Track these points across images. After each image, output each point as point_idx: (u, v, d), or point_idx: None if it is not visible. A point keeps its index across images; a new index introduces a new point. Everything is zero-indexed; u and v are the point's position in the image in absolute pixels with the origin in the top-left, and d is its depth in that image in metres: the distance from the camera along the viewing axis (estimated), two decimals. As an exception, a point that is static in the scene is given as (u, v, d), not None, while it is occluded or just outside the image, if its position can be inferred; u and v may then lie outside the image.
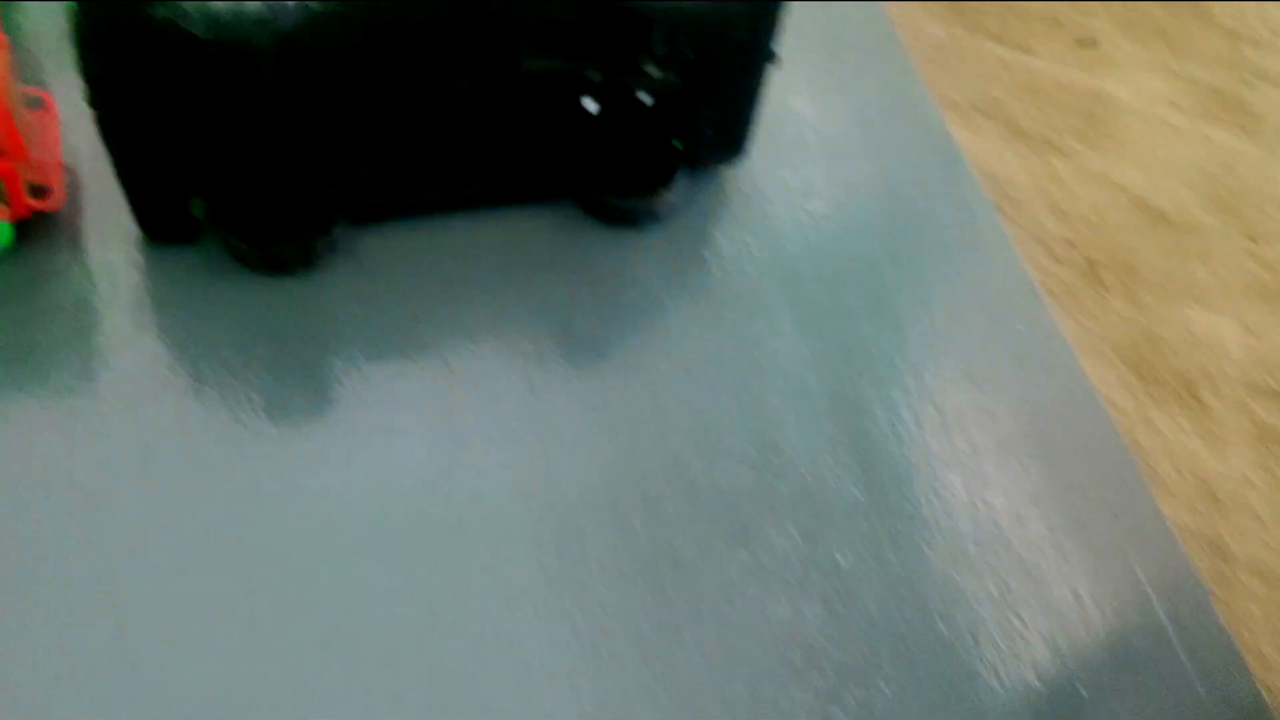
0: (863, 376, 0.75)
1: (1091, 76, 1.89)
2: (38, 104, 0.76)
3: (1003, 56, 1.91)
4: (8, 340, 0.69)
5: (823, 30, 0.99)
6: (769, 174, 0.86)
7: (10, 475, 0.65)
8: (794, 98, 0.92)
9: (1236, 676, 0.65)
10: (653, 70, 0.72)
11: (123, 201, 0.72)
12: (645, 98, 0.73)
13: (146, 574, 0.62)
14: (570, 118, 0.73)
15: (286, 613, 0.60)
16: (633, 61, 0.72)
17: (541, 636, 0.61)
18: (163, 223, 0.73)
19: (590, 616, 0.62)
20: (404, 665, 0.60)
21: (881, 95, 0.94)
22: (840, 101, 0.93)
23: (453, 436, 0.69)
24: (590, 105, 0.73)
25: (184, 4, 0.60)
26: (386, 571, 0.63)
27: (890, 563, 0.67)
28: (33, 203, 0.71)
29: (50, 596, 0.60)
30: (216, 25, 0.60)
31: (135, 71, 0.65)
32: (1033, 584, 0.67)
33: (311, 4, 0.63)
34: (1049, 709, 0.62)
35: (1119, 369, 1.50)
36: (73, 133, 0.77)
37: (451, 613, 0.62)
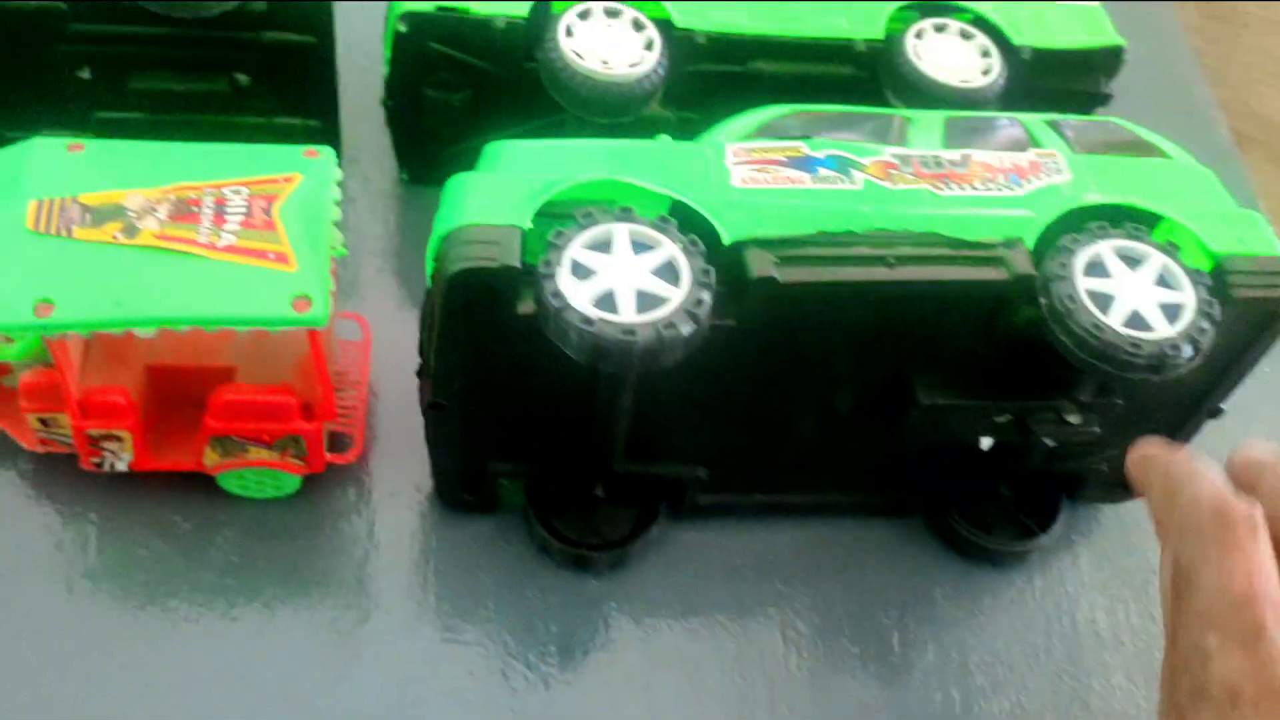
0: None
1: None
2: (352, 329, 0.67)
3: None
4: (279, 574, 0.61)
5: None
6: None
7: (272, 691, 0.60)
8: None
9: None
10: (1073, 418, 0.59)
11: (422, 454, 0.64)
12: (1049, 440, 0.59)
13: None
14: (954, 450, 0.60)
15: None
16: (1049, 405, 0.59)
17: None
18: (465, 499, 0.65)
19: None
20: None
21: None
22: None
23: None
24: (985, 442, 0.60)
25: (565, 319, 0.50)
26: None
27: None
28: (330, 457, 0.62)
29: None
30: (598, 354, 0.49)
31: (489, 370, 0.57)
32: None
33: (703, 326, 0.52)
34: None
35: None
36: (379, 358, 0.68)
37: None
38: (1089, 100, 0.78)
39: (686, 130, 0.69)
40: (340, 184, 0.59)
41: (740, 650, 0.62)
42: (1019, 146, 0.62)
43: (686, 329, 0.50)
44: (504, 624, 0.62)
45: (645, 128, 0.73)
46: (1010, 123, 0.64)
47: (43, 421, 0.59)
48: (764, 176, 0.58)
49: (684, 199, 0.56)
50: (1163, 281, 0.55)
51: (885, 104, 0.73)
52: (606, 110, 0.68)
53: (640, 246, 0.53)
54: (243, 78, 0.68)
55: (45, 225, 0.54)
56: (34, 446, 0.61)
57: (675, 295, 0.51)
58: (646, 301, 0.51)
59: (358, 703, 0.58)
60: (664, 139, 0.62)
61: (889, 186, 0.58)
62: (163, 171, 0.57)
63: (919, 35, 0.73)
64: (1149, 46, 0.91)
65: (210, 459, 0.60)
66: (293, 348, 0.61)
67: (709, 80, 0.73)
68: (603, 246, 0.53)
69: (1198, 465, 0.47)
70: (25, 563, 0.61)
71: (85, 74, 0.67)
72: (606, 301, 0.51)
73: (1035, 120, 0.64)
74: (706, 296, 0.51)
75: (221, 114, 0.69)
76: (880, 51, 0.72)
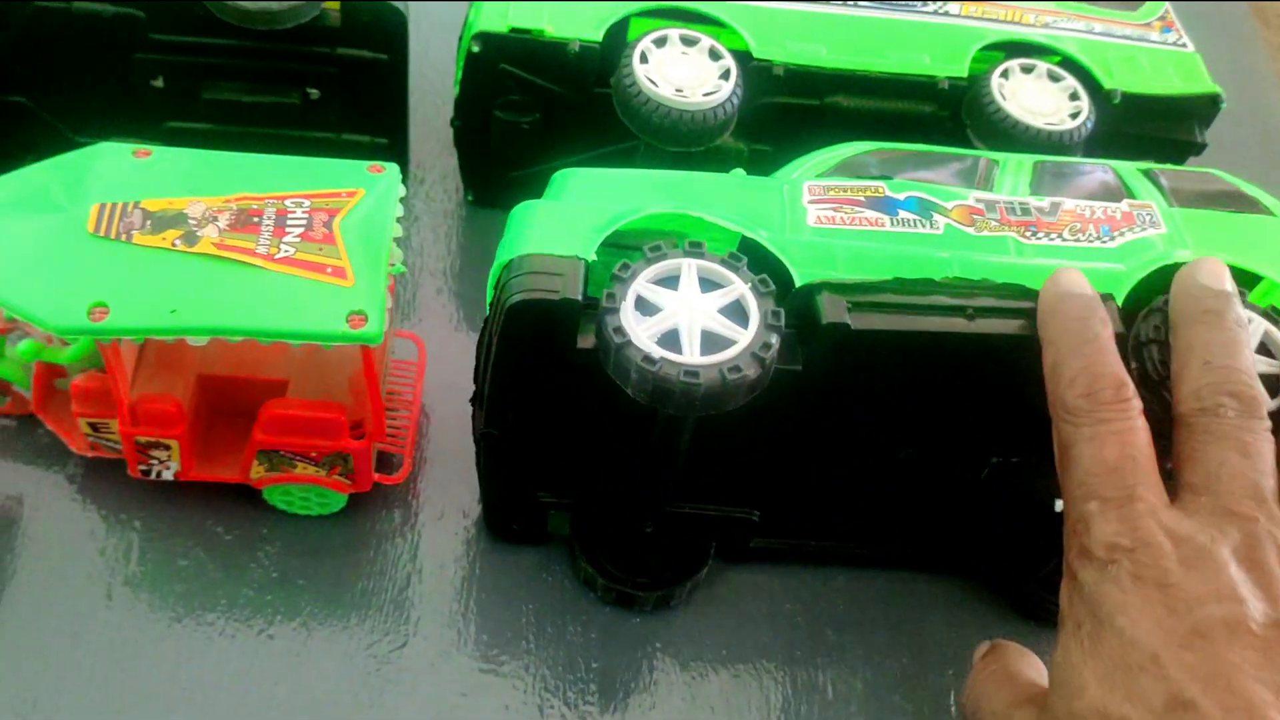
0: None
1: None
2: (408, 348, 0.66)
3: None
4: (318, 593, 0.60)
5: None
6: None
7: (303, 712, 0.58)
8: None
9: None
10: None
11: (472, 479, 0.63)
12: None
13: None
14: (1021, 509, 0.58)
15: None
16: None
17: None
18: (512, 529, 0.64)
19: None
20: None
21: None
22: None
23: None
24: (1059, 504, 0.57)
25: (626, 355, 0.48)
26: None
27: None
28: (377, 477, 0.60)
29: None
30: (658, 395, 0.47)
31: (544, 402, 0.55)
32: None
33: (770, 370, 0.50)
34: None
35: None
36: (433, 379, 0.67)
37: None
38: (1184, 148, 0.75)
39: (760, 164, 0.68)
40: (404, 201, 0.58)
41: (787, 701, 0.60)
42: (1112, 196, 0.60)
43: (753, 373, 0.48)
44: (544, 658, 0.60)
45: (718, 160, 0.71)
46: (1103, 170, 0.62)
47: (93, 426, 0.58)
48: (841, 216, 0.56)
49: (755, 236, 0.54)
50: (1264, 349, 0.51)
51: (967, 144, 0.71)
52: (678, 139, 0.67)
53: (708, 284, 0.51)
54: (314, 92, 0.68)
55: (106, 229, 0.54)
56: (83, 451, 0.61)
57: (742, 337, 0.49)
58: (712, 342, 0.49)
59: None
60: (738, 172, 0.60)
61: (972, 233, 0.56)
62: (226, 181, 0.56)
63: (1005, 75, 0.70)
64: (1248, 95, 0.88)
65: (257, 472, 0.59)
66: (346, 364, 0.60)
67: (785, 113, 0.71)
68: (670, 282, 0.51)
69: (1086, 334, 0.50)
70: (68, 566, 0.60)
71: (159, 83, 0.67)
72: (670, 339, 0.49)
73: (1129, 168, 0.62)
74: (775, 340, 0.49)
75: (290, 128, 0.69)
76: (963, 90, 0.70)
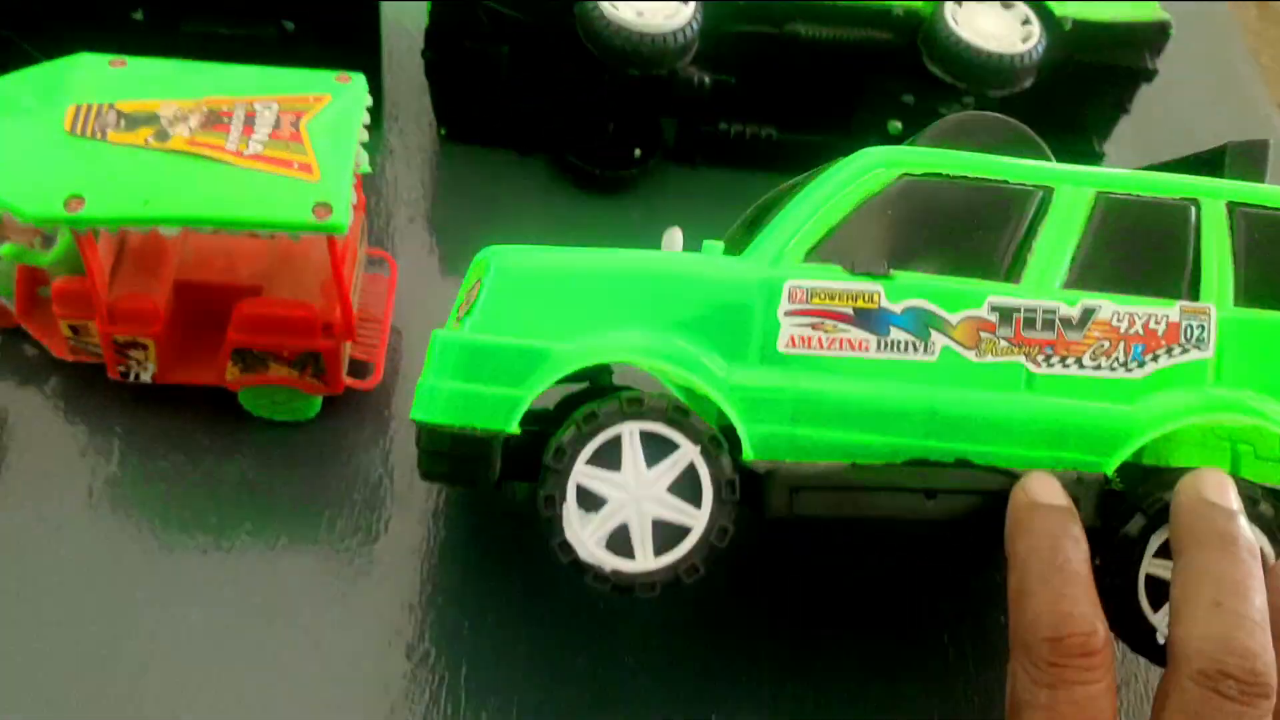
0: None
1: None
2: (379, 265, 0.68)
3: None
4: (293, 495, 0.61)
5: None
6: None
7: (278, 603, 0.61)
8: None
9: None
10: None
11: None
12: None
13: None
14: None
15: None
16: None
17: None
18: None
19: None
20: None
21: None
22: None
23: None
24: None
25: (578, 567, 0.50)
26: None
27: None
28: (350, 382, 0.62)
29: None
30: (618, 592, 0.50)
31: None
32: None
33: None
34: None
35: None
36: (404, 302, 0.69)
37: None
38: (1134, 75, 0.77)
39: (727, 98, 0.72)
40: (371, 112, 0.60)
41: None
42: (1174, 264, 0.53)
43: (706, 561, 0.48)
44: (516, 561, 0.63)
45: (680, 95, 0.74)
46: (1179, 207, 0.53)
47: (73, 329, 0.61)
48: (819, 337, 0.51)
49: (710, 390, 0.50)
50: None
51: (924, 72, 0.73)
52: (640, 62, 0.69)
53: (654, 443, 0.49)
54: (289, 24, 0.70)
55: (81, 128, 0.56)
56: (64, 355, 0.63)
57: (696, 522, 0.48)
58: (665, 532, 0.48)
59: (360, 617, 0.58)
60: (714, 250, 0.60)
61: (973, 358, 0.51)
62: (198, 86, 0.58)
63: (959, 2, 0.73)
64: (1205, 42, 0.90)
65: (232, 374, 0.61)
66: (317, 272, 0.62)
67: (744, 41, 0.73)
68: (612, 454, 0.49)
69: (1056, 558, 0.46)
70: (49, 468, 0.62)
71: (139, 15, 0.69)
72: (621, 538, 0.48)
73: (1215, 207, 0.54)
74: (730, 525, 0.48)
75: (267, 61, 0.71)
76: (919, 18, 0.73)
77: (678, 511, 0.48)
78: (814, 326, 0.52)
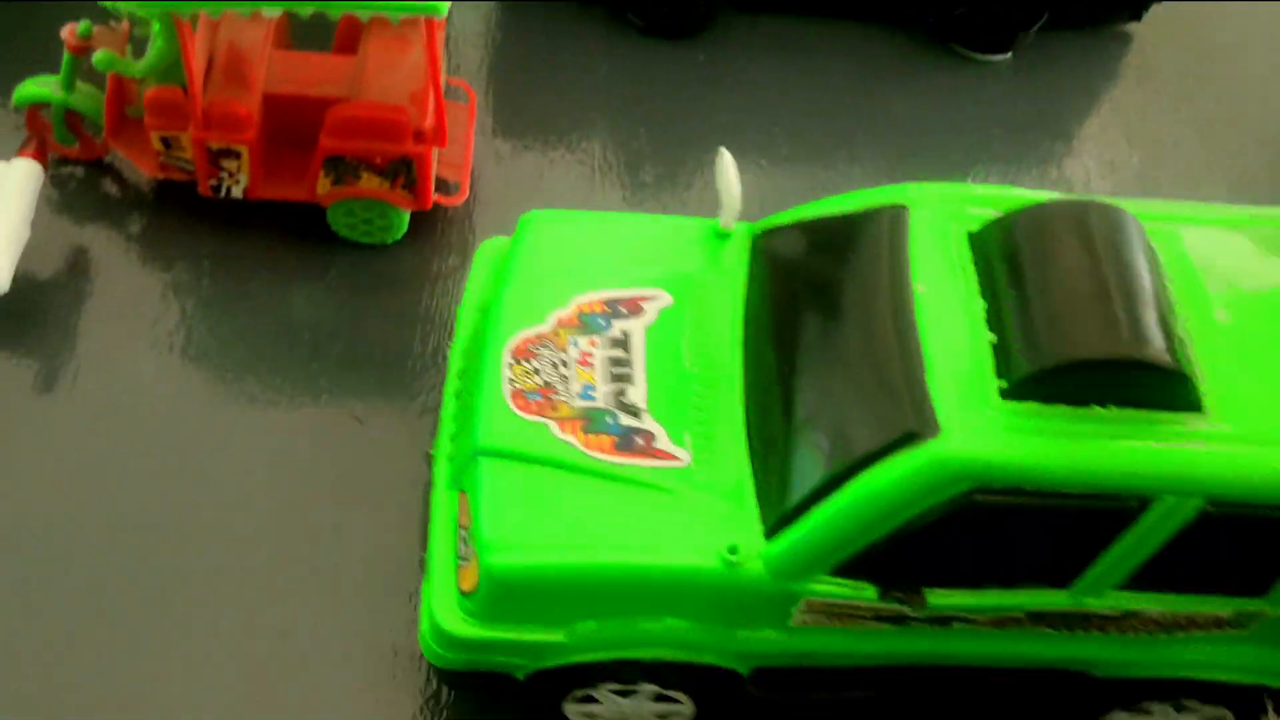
0: None
1: None
2: (459, 96, 0.69)
3: None
4: (379, 322, 0.63)
5: None
6: None
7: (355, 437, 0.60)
8: None
9: None
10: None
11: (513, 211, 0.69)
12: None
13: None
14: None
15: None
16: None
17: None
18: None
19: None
20: None
21: None
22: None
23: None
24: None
25: None
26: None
27: None
28: (438, 197, 0.63)
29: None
30: None
31: None
32: None
33: None
34: None
35: None
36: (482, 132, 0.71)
37: None
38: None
39: None
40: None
41: None
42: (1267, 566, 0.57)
43: None
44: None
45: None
46: None
47: (165, 143, 0.61)
48: (835, 620, 0.59)
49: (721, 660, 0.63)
50: None
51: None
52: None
53: None
54: None
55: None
56: (154, 172, 0.63)
57: None
58: None
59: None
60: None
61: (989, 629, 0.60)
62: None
63: None
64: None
65: (323, 186, 0.62)
66: (407, 82, 0.62)
67: None
68: None
69: None
70: (139, 296, 0.63)
71: None
72: None
73: None
74: None
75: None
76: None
77: None
78: (830, 615, 0.51)
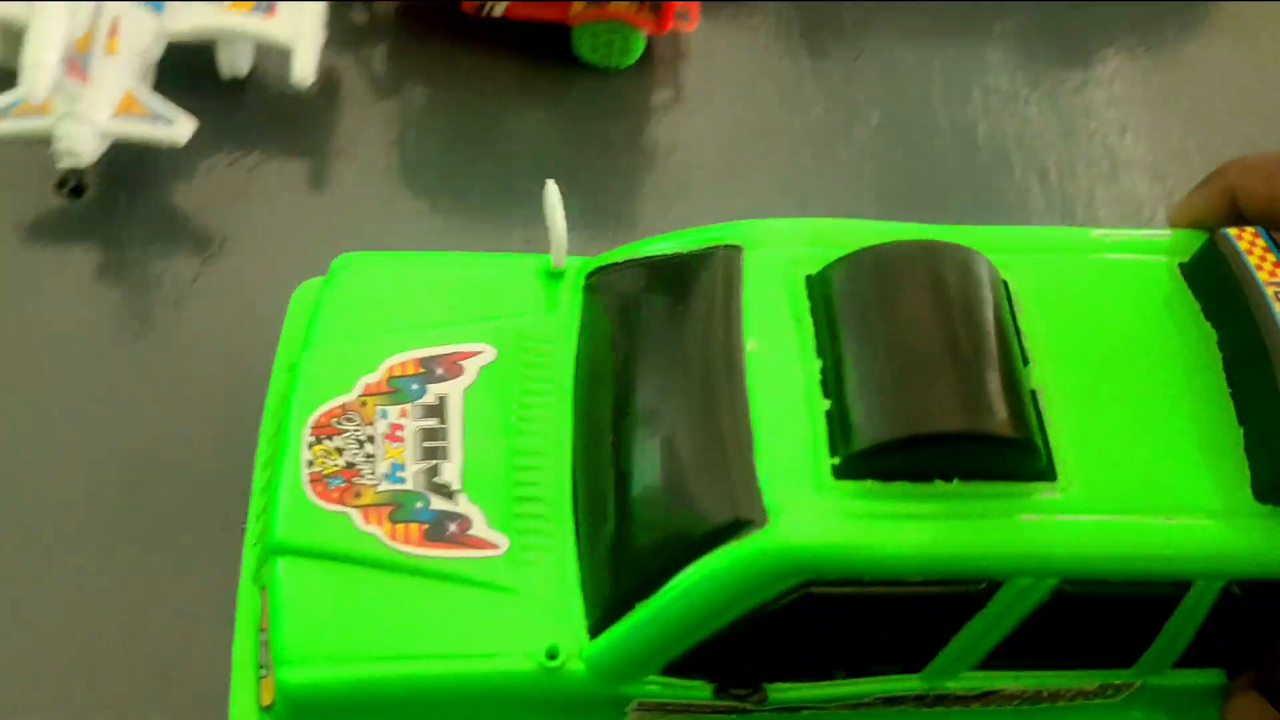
0: None
1: None
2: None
3: None
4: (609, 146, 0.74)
5: None
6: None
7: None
8: None
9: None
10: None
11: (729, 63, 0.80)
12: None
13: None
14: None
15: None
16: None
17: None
18: None
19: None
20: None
21: None
22: None
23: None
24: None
25: None
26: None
27: None
28: (675, 22, 0.69)
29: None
30: None
31: None
32: None
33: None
34: None
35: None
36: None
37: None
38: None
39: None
40: None
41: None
42: (1128, 642, 0.60)
43: None
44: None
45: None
46: (1165, 596, 0.58)
47: (434, -38, 0.67)
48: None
49: None
50: None
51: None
52: None
53: None
54: None
55: None
56: (419, -9, 0.69)
57: None
58: None
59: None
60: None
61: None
62: None
63: None
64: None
65: (577, 7, 0.67)
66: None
67: None
68: None
69: None
70: (394, 119, 0.71)
71: None
72: None
73: (1211, 589, 0.56)
74: None
75: None
76: None
77: None
78: (666, 713, 0.53)
